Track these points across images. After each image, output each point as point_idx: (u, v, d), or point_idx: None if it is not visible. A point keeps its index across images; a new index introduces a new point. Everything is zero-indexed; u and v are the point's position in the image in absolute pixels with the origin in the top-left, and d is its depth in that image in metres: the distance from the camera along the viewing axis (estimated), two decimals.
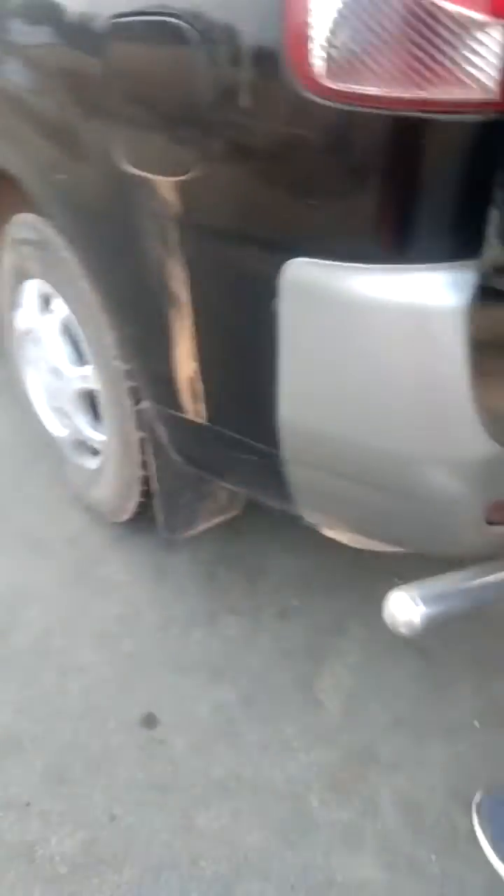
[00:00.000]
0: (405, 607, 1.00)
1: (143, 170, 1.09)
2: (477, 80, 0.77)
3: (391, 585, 1.08)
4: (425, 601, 1.00)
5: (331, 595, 1.75)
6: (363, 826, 1.31)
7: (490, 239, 1.26)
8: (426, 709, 1.50)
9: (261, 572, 1.82)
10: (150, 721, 1.49)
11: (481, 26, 0.75)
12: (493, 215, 1.30)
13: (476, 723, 1.48)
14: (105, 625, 1.68)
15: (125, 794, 1.36)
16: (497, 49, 0.76)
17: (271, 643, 1.64)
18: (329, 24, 0.79)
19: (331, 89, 0.81)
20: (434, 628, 1.03)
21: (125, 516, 1.80)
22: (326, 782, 1.38)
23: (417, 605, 1.00)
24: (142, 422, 1.51)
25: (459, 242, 0.90)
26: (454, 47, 0.76)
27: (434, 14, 0.75)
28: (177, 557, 1.84)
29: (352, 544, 1.34)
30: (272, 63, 0.85)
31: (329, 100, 0.82)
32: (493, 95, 0.78)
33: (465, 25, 0.75)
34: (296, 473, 1.18)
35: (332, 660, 1.60)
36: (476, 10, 0.75)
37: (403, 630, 1.00)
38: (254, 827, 1.31)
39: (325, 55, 0.80)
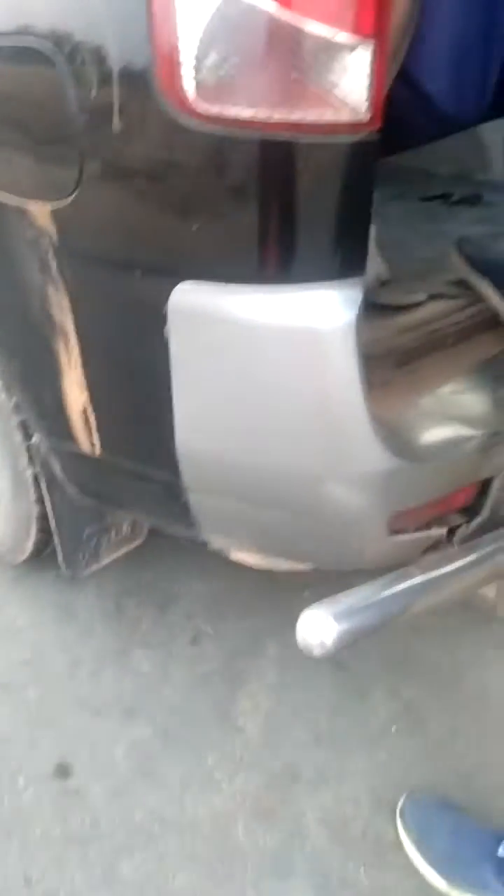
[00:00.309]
0: (317, 627, 1.00)
1: (19, 196, 1.05)
2: (346, 102, 0.78)
3: (303, 600, 1.08)
4: (337, 619, 1.00)
5: (244, 616, 1.73)
6: (291, 850, 1.29)
7: (372, 255, 1.29)
8: (346, 720, 1.50)
9: (171, 600, 1.77)
10: (63, 771, 1.42)
11: (347, 47, 0.76)
12: (373, 231, 1.35)
13: (394, 728, 1.49)
14: (8, 673, 1.59)
15: (41, 853, 1.28)
16: (364, 69, 0.77)
17: (186, 673, 1.60)
18: (197, 47, 0.78)
19: (202, 112, 0.80)
20: (347, 645, 1.03)
21: (23, 556, 1.72)
22: (252, 810, 1.35)
23: (329, 623, 0.99)
24: (34, 456, 1.45)
25: (343, 260, 0.91)
26: (321, 69, 0.77)
27: (299, 36, 0.76)
28: (82, 594, 1.77)
29: (260, 566, 1.33)
30: (143, 85, 0.83)
31: (201, 122, 0.81)
32: (363, 116, 0.79)
33: (331, 47, 0.76)
34: (198, 500, 1.16)
35: (249, 682, 1.58)
36: (341, 31, 0.76)
37: (317, 651, 0.99)
38: (180, 869, 1.26)
39: (194, 78, 0.79)
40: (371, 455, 1.00)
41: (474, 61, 0.77)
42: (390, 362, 1.23)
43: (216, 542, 1.26)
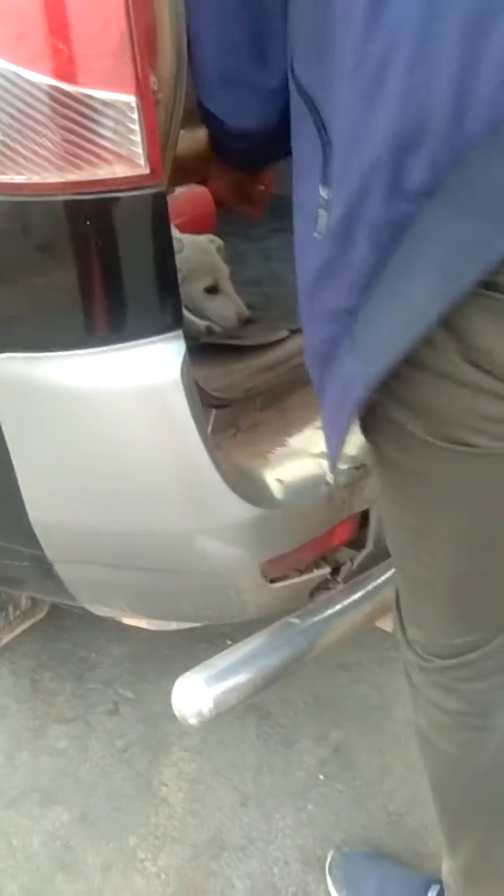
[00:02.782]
0: (191, 695, 0.94)
1: None
2: (121, 157, 0.75)
3: (225, 650, 1.02)
4: (210, 683, 0.95)
5: (164, 675, 1.66)
6: None
7: (226, 297, 1.27)
8: (271, 776, 1.44)
9: (88, 667, 1.70)
10: None
11: (112, 106, 0.73)
12: (227, 269, 1.32)
13: (321, 776, 1.43)
14: None
15: None
16: (133, 125, 0.74)
17: (105, 746, 1.52)
18: None
19: None
20: (227, 708, 0.97)
21: None
22: (177, 888, 1.28)
23: (202, 690, 0.94)
24: None
25: (161, 314, 0.87)
26: (91, 129, 0.74)
27: (64, 99, 0.73)
28: None
29: (153, 628, 1.27)
30: None
31: None
32: (142, 170, 0.76)
33: (97, 107, 0.73)
34: (66, 571, 1.10)
35: (171, 748, 1.51)
36: (105, 91, 0.73)
37: (193, 721, 0.94)
38: None
39: None
40: (226, 507, 0.95)
41: (241, 76, 0.76)
42: (256, 404, 1.20)
43: (97, 609, 1.20)
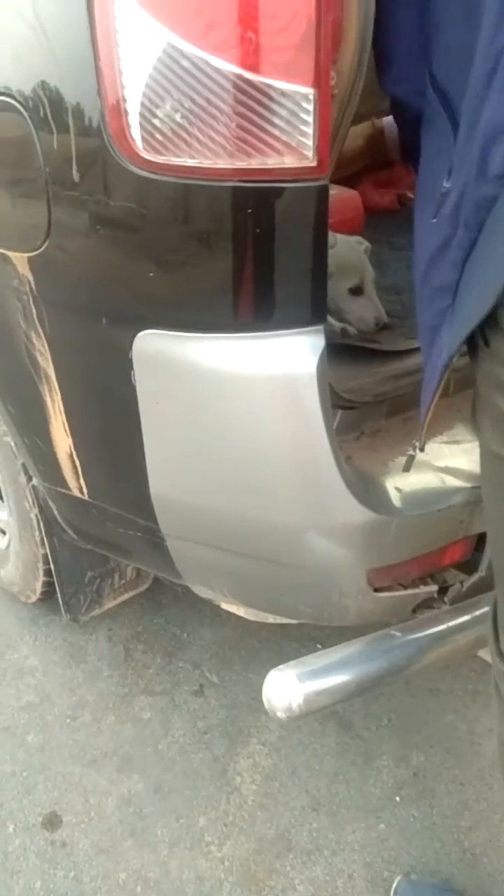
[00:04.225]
0: (283, 689, 0.94)
1: (2, 247, 1.07)
2: (291, 148, 0.76)
3: (313, 653, 1.02)
4: (303, 680, 0.94)
5: (250, 667, 1.68)
6: None
7: (367, 298, 1.26)
8: (346, 787, 1.42)
9: (180, 647, 1.74)
10: (52, 822, 1.39)
11: (290, 96, 0.74)
12: (373, 273, 1.31)
13: (398, 797, 1.40)
14: (12, 716, 1.58)
15: None
16: (308, 116, 0.75)
17: (186, 724, 1.55)
18: (141, 98, 0.78)
19: (150, 162, 0.80)
20: (318, 710, 0.97)
21: (34, 597, 1.72)
22: (239, 878, 1.28)
23: (294, 685, 0.94)
24: (36, 498, 1.46)
25: (307, 307, 0.88)
26: (265, 117, 0.75)
27: (243, 86, 0.75)
28: (93, 637, 1.76)
29: (249, 617, 1.28)
30: (97, 136, 0.84)
31: (150, 171, 0.81)
32: (310, 162, 0.77)
33: (275, 96, 0.75)
34: (176, 547, 1.13)
35: (250, 739, 1.52)
36: (284, 81, 0.74)
37: (282, 714, 0.94)
38: None
39: (140, 128, 0.79)
40: (341, 507, 0.95)
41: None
42: (382, 410, 1.18)
43: (201, 592, 1.22)
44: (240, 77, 0.74)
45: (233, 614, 1.47)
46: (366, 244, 1.30)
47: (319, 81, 0.73)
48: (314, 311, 0.86)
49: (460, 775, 1.43)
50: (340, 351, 1.20)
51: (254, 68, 0.74)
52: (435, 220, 0.75)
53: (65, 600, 1.52)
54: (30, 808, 1.40)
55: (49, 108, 0.88)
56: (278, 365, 0.89)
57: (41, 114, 0.90)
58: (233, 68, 0.74)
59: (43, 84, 0.87)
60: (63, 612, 1.53)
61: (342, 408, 1.10)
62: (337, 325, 1.29)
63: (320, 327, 0.87)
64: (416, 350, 1.23)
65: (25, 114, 0.92)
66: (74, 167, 0.87)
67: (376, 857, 1.30)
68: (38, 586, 1.67)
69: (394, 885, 1.21)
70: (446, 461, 1.10)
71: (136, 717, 1.57)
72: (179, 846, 1.33)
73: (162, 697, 1.61)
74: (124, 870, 1.30)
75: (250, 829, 1.36)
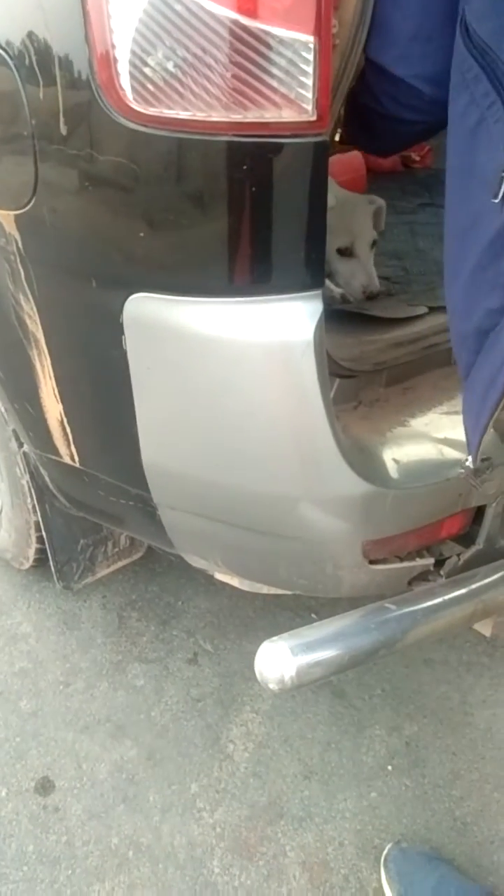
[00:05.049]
0: (275, 661, 0.93)
1: None
2: (290, 100, 0.72)
3: (308, 623, 1.01)
4: (296, 653, 0.93)
5: (244, 636, 1.67)
6: (267, 892, 1.22)
7: (361, 266, 1.22)
8: (338, 755, 1.42)
9: (174, 615, 1.73)
10: (45, 787, 1.39)
11: (289, 45, 0.70)
12: (374, 239, 1.27)
13: (390, 766, 1.40)
14: (5, 681, 1.58)
15: (13, 871, 1.26)
16: (308, 67, 0.71)
17: (180, 692, 1.55)
18: (131, 47, 0.73)
19: (141, 114, 0.76)
20: (310, 682, 0.96)
21: (27, 563, 1.71)
22: (230, 844, 1.29)
23: (287, 658, 0.92)
24: (27, 465, 1.43)
25: (304, 271, 0.84)
26: (262, 67, 0.71)
27: (238, 34, 0.70)
28: (87, 603, 1.75)
29: (244, 588, 1.27)
30: (86, 88, 0.79)
31: (142, 125, 0.76)
32: (309, 116, 0.73)
33: (272, 45, 0.70)
34: (168, 517, 1.11)
35: (243, 706, 1.52)
36: (282, 28, 0.70)
37: (274, 686, 0.93)
38: None
39: (130, 78, 0.75)
40: (337, 478, 0.93)
41: (438, 35, 0.71)
42: (381, 379, 1.16)
43: (194, 561, 1.21)
44: (236, 23, 0.70)
45: (226, 583, 1.46)
46: (378, 203, 1.24)
47: (320, 29, 0.69)
48: (312, 274, 0.82)
49: (452, 745, 1.44)
50: (340, 317, 1.17)
51: (251, 14, 0.69)
52: (497, 201, 0.64)
53: (57, 568, 1.50)
54: (23, 772, 1.41)
55: (35, 57, 0.83)
56: (274, 331, 0.86)
57: (27, 63, 0.85)
58: (229, 13, 0.70)
59: (30, 34, 0.82)
60: (55, 579, 1.52)
61: (340, 376, 1.07)
62: (336, 290, 1.25)
63: (318, 292, 0.84)
64: (418, 317, 1.21)
65: (11, 63, 0.87)
66: (62, 120, 0.83)
67: (367, 825, 1.31)
68: (31, 553, 1.65)
69: (384, 853, 1.22)
70: (445, 432, 1.07)
71: (129, 684, 1.57)
72: (171, 812, 1.34)
73: (155, 665, 1.61)
74: (116, 835, 1.31)
75: (242, 795, 1.36)
